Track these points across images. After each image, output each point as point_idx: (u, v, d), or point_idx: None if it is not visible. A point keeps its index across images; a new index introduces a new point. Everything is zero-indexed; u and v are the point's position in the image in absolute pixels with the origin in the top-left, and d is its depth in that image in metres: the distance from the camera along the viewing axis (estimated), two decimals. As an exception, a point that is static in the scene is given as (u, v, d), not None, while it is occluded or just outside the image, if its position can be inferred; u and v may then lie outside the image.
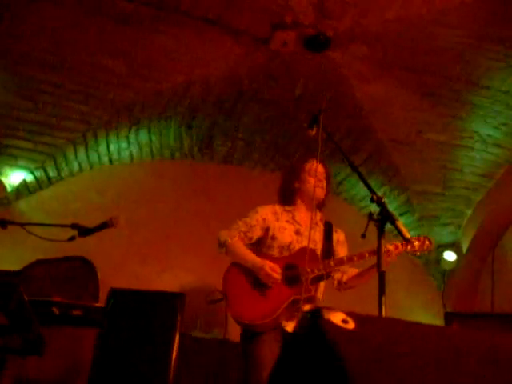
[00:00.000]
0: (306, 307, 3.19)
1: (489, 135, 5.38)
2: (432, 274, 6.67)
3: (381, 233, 2.35)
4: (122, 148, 5.92)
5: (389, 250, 3.16)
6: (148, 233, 5.87)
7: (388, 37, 4.52)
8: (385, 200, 2.49)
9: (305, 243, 3.33)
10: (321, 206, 3.64)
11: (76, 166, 5.82)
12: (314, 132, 3.17)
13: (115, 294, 4.08)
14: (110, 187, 6.03)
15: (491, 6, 4.07)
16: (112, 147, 5.82)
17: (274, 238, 3.42)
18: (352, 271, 3.45)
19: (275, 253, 3.40)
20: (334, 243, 3.54)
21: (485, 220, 6.01)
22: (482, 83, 4.86)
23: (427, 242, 3.31)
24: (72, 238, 3.22)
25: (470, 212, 6.14)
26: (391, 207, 5.92)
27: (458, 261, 6.33)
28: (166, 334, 3.83)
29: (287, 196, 3.61)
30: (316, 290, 3.34)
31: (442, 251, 6.39)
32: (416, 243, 3.27)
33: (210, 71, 4.93)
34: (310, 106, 5.08)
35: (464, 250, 6.31)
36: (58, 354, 4.24)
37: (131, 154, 6.12)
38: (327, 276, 3.35)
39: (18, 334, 2.65)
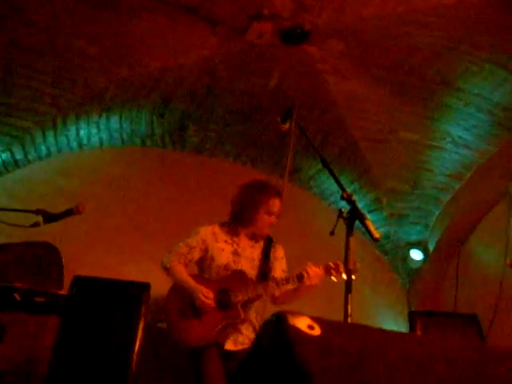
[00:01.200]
0: (243, 327, 3.51)
1: (460, 137, 5.42)
2: (398, 273, 6.73)
3: (350, 231, 2.34)
4: (91, 133, 5.82)
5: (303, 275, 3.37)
6: (115, 221, 5.78)
7: (365, 34, 4.51)
8: (355, 198, 2.49)
9: (242, 263, 3.61)
10: None
11: (44, 150, 5.70)
12: (286, 126, 3.18)
13: (79, 281, 4.03)
14: (78, 173, 5.93)
15: (471, 10, 4.08)
16: (82, 132, 5.71)
17: (212, 258, 3.62)
18: (285, 287, 3.53)
19: (213, 273, 3.60)
20: (272, 260, 3.69)
21: (452, 220, 6.07)
22: (457, 85, 4.88)
23: (341, 267, 3.36)
24: (36, 224, 3.15)
25: (438, 212, 6.19)
26: (361, 204, 5.94)
27: (424, 260, 6.40)
28: (130, 323, 3.80)
29: (238, 218, 3.74)
30: (249, 311, 3.57)
31: (409, 250, 6.46)
32: (333, 274, 3.39)
33: (184, 60, 4.86)
34: (285, 99, 5.07)
35: (431, 249, 6.37)
36: (19, 341, 4.16)
37: (101, 140, 6.02)
38: (257, 298, 3.52)
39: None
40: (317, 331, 0.77)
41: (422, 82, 4.97)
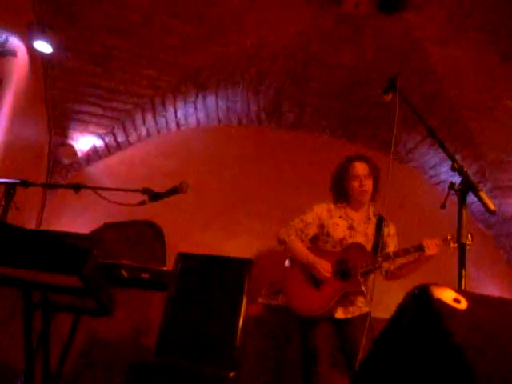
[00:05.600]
0: (359, 299, 3.62)
1: None
2: (503, 247, 6.45)
3: (462, 203, 2.24)
4: (188, 113, 5.92)
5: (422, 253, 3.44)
6: (214, 198, 5.89)
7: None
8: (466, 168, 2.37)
9: (357, 237, 3.68)
10: (373, 199, 3.89)
11: (144, 132, 5.87)
12: (389, 98, 3.07)
13: (183, 258, 4.12)
14: (177, 152, 6.07)
15: None
16: (179, 112, 5.83)
17: (328, 234, 3.71)
18: (399, 261, 3.66)
19: (329, 247, 3.70)
20: (385, 236, 3.76)
21: (562, 191, 5.75)
22: None
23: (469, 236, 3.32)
24: (143, 203, 3.24)
25: (546, 182, 5.87)
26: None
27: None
28: (234, 298, 3.85)
29: (339, 194, 3.87)
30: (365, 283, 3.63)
31: (515, 223, 6.17)
32: (451, 244, 3.44)
33: (279, 35, 4.83)
34: (382, 70, 4.93)
35: (539, 222, 6.06)
36: (127, 315, 4.33)
37: (198, 120, 6.12)
38: (375, 269, 3.59)
39: (91, 296, 2.69)
40: (463, 305, 0.74)
41: (528, 44, 4.68)
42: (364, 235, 3.72)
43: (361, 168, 3.77)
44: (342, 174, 3.82)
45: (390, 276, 3.75)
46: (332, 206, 3.85)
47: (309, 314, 3.51)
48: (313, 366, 3.47)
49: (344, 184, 3.81)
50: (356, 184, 3.74)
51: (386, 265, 3.67)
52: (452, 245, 3.38)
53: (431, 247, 3.39)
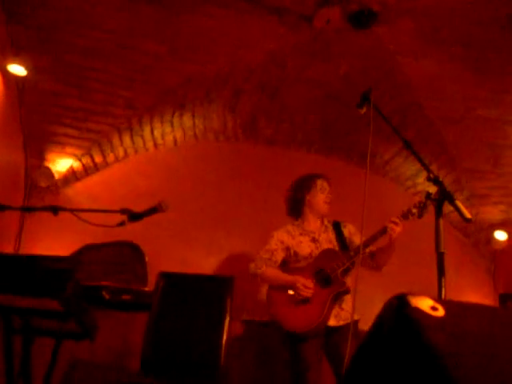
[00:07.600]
0: (347, 299, 3.66)
1: (541, 110, 5.18)
2: (482, 254, 6.53)
3: (439, 213, 2.27)
4: (165, 132, 5.92)
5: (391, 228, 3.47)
6: (194, 216, 5.88)
7: (436, 10, 4.36)
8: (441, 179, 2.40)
9: (323, 246, 3.79)
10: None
11: (121, 152, 5.85)
12: (363, 111, 3.11)
13: (164, 277, 4.10)
14: (155, 171, 6.06)
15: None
16: (156, 132, 5.83)
17: (296, 254, 3.80)
18: (370, 249, 3.74)
19: (301, 264, 3.75)
20: (348, 236, 3.89)
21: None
22: (536, 55, 4.67)
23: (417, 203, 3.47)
24: (122, 224, 3.20)
25: (521, 190, 5.96)
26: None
27: (509, 240, 6.18)
28: (217, 317, 3.84)
29: (296, 207, 3.98)
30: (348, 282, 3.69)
31: (493, 231, 6.25)
32: (414, 210, 3.47)
33: (253, 52, 4.86)
34: (357, 84, 4.98)
35: (516, 229, 6.15)
36: (109, 337, 4.29)
37: (175, 138, 6.12)
38: (353, 265, 3.66)
39: (72, 319, 2.67)
40: (440, 312, 0.75)
41: (498, 55, 4.76)
42: (329, 242, 3.83)
43: (326, 184, 3.95)
44: (307, 187, 3.93)
45: (376, 265, 3.77)
46: (289, 227, 3.95)
47: (306, 329, 3.49)
48: (303, 378, 3.48)
49: (307, 197, 3.92)
50: (323, 196, 3.89)
51: (361, 251, 3.66)
52: (411, 217, 3.45)
53: (394, 226, 3.45)
